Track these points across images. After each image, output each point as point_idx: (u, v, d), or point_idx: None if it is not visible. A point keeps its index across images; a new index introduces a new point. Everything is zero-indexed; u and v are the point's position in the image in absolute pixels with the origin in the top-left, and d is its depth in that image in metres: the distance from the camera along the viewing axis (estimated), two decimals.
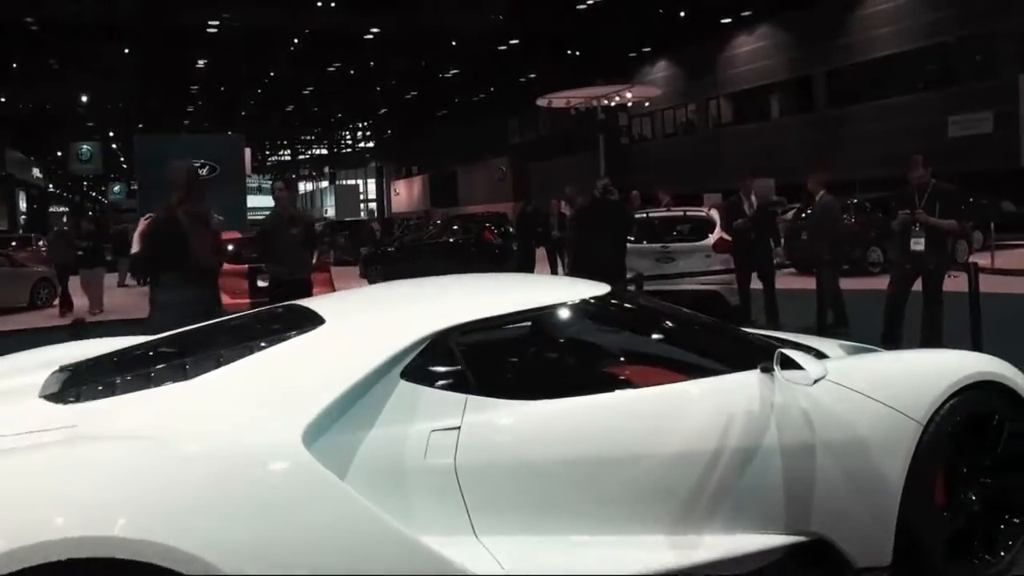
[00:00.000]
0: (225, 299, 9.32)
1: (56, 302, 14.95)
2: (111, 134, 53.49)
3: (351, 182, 73.06)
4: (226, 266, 7.40)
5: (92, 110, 46.77)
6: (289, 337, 2.67)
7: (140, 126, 45.09)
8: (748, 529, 2.69)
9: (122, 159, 59.40)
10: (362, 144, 73.90)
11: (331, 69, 43.82)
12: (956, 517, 2.98)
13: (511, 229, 18.64)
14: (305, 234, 7.26)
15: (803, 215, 15.24)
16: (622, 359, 3.16)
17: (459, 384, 2.56)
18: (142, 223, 5.23)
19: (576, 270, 9.79)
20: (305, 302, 3.19)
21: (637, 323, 3.34)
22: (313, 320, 2.78)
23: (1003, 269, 14.08)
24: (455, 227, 20.57)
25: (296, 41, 38.23)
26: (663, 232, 11.22)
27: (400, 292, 3.44)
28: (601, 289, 3.15)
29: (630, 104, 33.98)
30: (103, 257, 15.69)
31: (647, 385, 2.84)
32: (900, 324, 7.00)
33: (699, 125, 38.84)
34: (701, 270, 9.82)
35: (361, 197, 67.07)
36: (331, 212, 62.47)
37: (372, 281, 19.13)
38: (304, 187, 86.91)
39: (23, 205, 50.76)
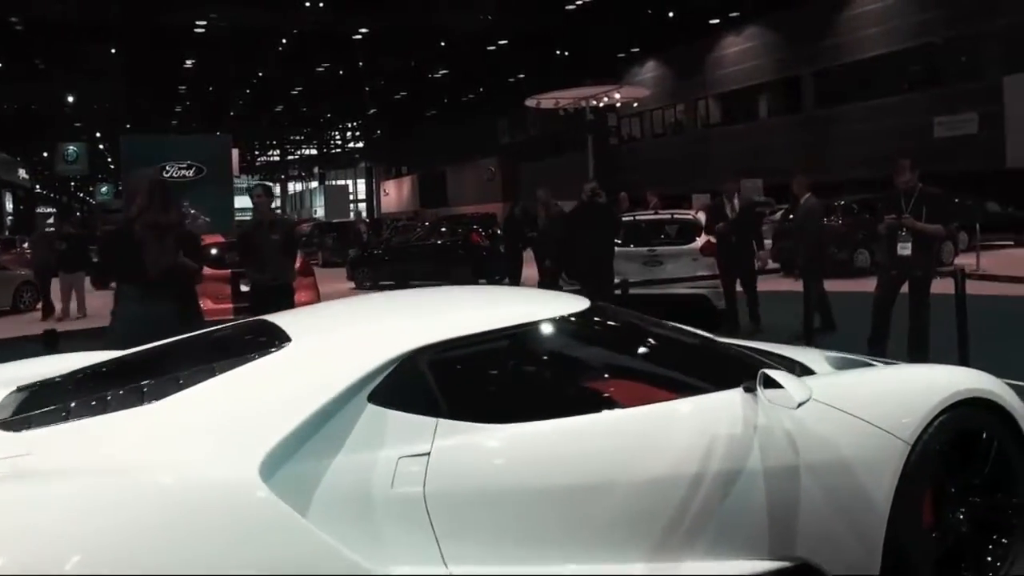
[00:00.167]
0: (208, 304, 9.21)
1: (39, 306, 14.78)
2: (98, 135, 53.22)
3: (341, 182, 72.87)
4: (208, 271, 7.25)
5: (79, 110, 46.51)
6: (252, 359, 2.59)
7: (127, 126, 44.79)
8: (730, 555, 2.61)
9: (109, 160, 59.04)
10: (351, 144, 73.73)
11: (320, 69, 43.67)
12: (944, 537, 2.91)
13: (499, 231, 18.58)
14: (285, 239, 7.16)
15: (790, 217, 15.23)
16: (601, 378, 3.08)
17: (429, 407, 2.47)
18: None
19: (566, 273, 9.77)
20: (273, 318, 3.11)
21: (617, 340, 3.26)
22: (279, 338, 2.70)
23: (990, 275, 14.07)
24: (443, 229, 20.50)
25: (284, 41, 38.07)
26: (650, 235, 11.16)
27: (372, 307, 3.36)
28: (580, 304, 3.07)
29: (619, 104, 33.96)
30: (87, 259, 15.32)
31: (627, 405, 2.75)
32: (887, 327, 6.99)
33: (688, 125, 38.86)
34: (688, 274, 9.77)
35: (351, 198, 66.87)
36: (320, 213, 62.25)
37: (359, 284, 19.06)
38: (293, 188, 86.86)
39: (9, 206, 50.37)
